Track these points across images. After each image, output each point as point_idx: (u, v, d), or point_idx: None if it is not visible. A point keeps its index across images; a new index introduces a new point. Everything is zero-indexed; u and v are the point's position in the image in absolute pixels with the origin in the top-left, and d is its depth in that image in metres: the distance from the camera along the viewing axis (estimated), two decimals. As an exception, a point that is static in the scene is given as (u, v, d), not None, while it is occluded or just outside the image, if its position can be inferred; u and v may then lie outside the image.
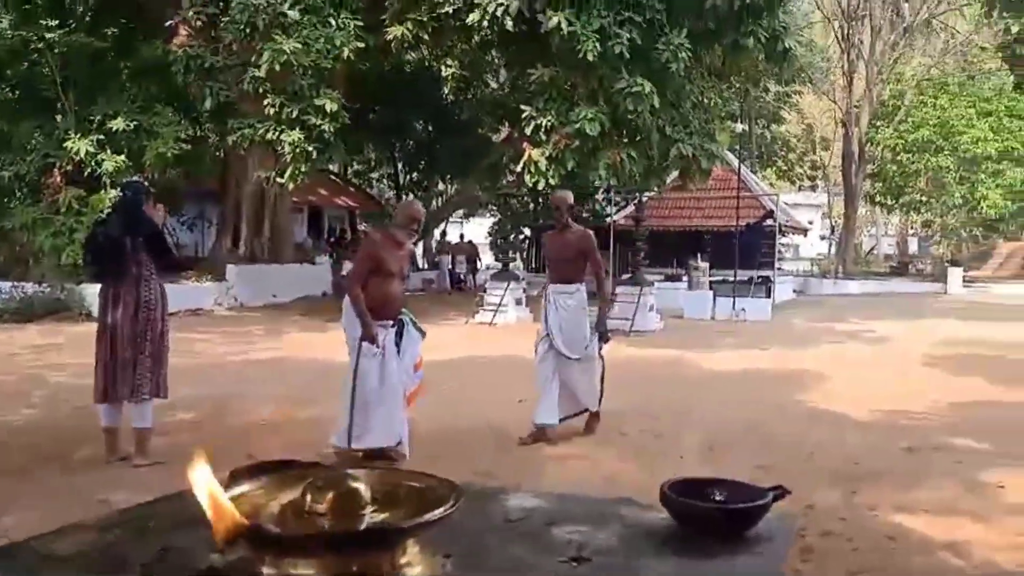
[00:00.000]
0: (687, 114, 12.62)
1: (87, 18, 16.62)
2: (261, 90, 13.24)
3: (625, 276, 15.96)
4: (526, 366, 10.14)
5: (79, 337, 12.30)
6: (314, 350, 11.33)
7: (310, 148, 13.20)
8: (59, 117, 15.56)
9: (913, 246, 48.07)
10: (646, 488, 4.91)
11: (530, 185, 12.71)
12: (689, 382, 9.38)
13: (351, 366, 5.22)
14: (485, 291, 17.14)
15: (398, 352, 5.27)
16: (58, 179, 15.14)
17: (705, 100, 15.05)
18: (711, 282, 19.89)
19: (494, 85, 24.60)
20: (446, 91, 13.74)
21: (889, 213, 37.95)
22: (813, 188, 47.91)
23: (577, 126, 11.44)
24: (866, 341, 14.13)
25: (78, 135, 14.86)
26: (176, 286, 16.65)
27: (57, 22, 15.07)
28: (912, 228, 43.41)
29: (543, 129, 11.91)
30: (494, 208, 38.08)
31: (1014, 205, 28.88)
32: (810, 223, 51.21)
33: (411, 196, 33.88)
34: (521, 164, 12.25)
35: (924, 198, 30.42)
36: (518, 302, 17.34)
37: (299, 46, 12.91)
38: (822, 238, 50.33)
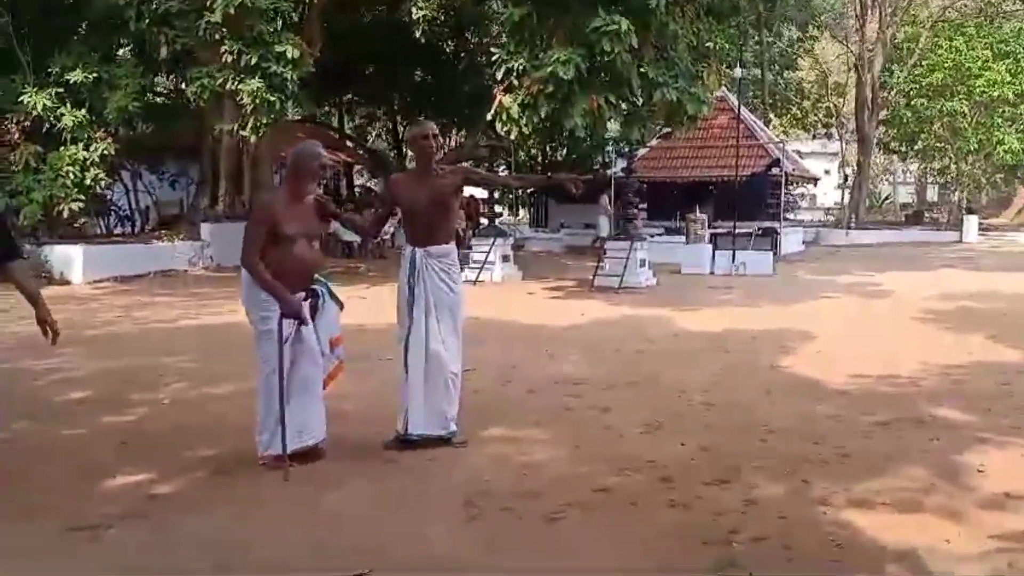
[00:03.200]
0: (672, 57, 11.67)
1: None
2: (218, 36, 12.45)
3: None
4: (509, 330, 9.52)
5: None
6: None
7: (272, 98, 12.42)
8: (15, 72, 14.80)
9: (933, 194, 46.67)
10: (565, 481, 4.31)
11: (502, 134, 11.85)
12: (661, 346, 8.64)
13: (265, 356, 4.39)
14: (470, 248, 16.45)
15: (313, 327, 4.50)
16: (15, 135, 14.46)
17: (700, 44, 14.06)
18: (713, 235, 19.07)
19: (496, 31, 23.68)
20: (418, 34, 12.84)
21: (903, 160, 36.57)
22: (828, 136, 46.34)
23: (550, 69, 10.56)
24: (866, 295, 13.34)
25: (35, 89, 14.13)
26: (147, 247, 16.11)
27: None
28: (931, 176, 42.10)
29: (515, 73, 11.04)
30: (503, 161, 37.10)
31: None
32: (826, 172, 49.68)
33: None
34: (492, 111, 11.40)
35: (940, 144, 29.18)
36: (505, 259, 16.65)
37: (257, -14, 12.09)
38: (838, 187, 49.03)
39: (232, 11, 11.76)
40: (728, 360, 7.79)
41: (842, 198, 43.26)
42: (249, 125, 12.68)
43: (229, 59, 12.25)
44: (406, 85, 27.85)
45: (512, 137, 11.63)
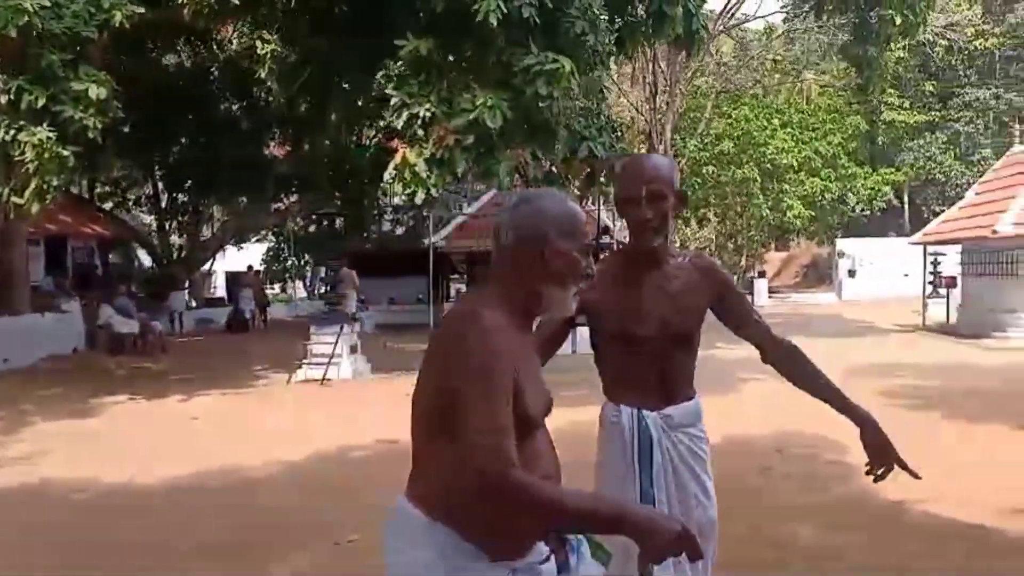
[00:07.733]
0: (595, 108, 9.91)
1: None
2: (-14, 71, 8.85)
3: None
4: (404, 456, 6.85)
5: None
6: (80, 458, 7.33)
7: (65, 152, 8.94)
8: None
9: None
10: None
11: (405, 196, 9.31)
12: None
13: None
14: (309, 339, 13.48)
15: None
16: None
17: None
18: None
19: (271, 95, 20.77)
20: (263, 73, 10.11)
21: (685, 227, 37.94)
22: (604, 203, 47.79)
23: (473, 115, 8.28)
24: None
25: None
26: None
27: None
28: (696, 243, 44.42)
29: (421, 121, 8.62)
30: (275, 232, 33.47)
31: (812, 213, 29.57)
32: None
33: (174, 221, 28.25)
34: (391, 169, 8.85)
35: (731, 211, 30.40)
36: (353, 349, 13.76)
37: (47, 5, 8.73)
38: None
39: (13, 34, 8.28)
40: (821, 499, 5.85)
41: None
42: (30, 190, 9.00)
43: (4, 100, 8.67)
44: (172, 146, 23.81)
45: (418, 200, 9.07)
